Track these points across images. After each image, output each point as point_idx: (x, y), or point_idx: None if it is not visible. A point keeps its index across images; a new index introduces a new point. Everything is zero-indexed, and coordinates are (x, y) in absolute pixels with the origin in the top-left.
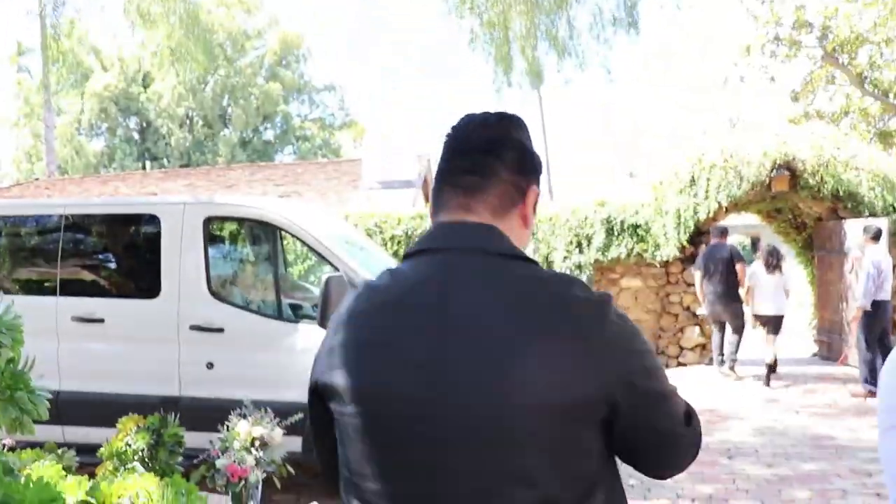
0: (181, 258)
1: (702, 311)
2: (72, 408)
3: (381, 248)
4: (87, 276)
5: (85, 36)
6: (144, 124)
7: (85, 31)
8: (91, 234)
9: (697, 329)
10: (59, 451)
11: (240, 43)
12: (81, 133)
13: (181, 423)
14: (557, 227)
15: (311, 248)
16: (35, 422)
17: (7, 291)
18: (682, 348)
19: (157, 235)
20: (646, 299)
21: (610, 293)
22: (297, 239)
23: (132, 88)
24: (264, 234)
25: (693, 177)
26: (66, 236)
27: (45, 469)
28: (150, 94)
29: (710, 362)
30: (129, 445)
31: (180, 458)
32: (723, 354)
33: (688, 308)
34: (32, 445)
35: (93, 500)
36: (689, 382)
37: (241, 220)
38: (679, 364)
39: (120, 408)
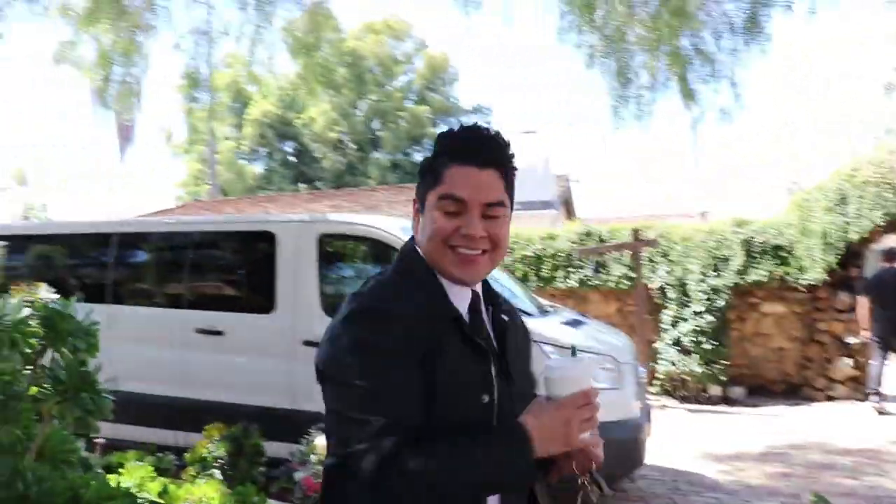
0: (295, 275)
1: (860, 338)
2: (188, 415)
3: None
4: (210, 290)
5: (246, 66)
6: (300, 148)
7: (246, 62)
8: (213, 250)
9: (849, 360)
10: (161, 455)
11: (389, 68)
12: (242, 157)
13: (294, 436)
14: (692, 248)
15: None
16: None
17: (137, 303)
18: (830, 380)
19: (273, 252)
20: (790, 326)
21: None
22: None
23: (288, 114)
24: (376, 251)
25: (843, 194)
26: (191, 252)
27: (136, 469)
28: (304, 119)
29: (866, 398)
30: (211, 452)
31: (261, 468)
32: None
33: (837, 337)
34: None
35: (161, 501)
36: (839, 419)
37: (354, 238)
38: (828, 398)
39: (236, 418)
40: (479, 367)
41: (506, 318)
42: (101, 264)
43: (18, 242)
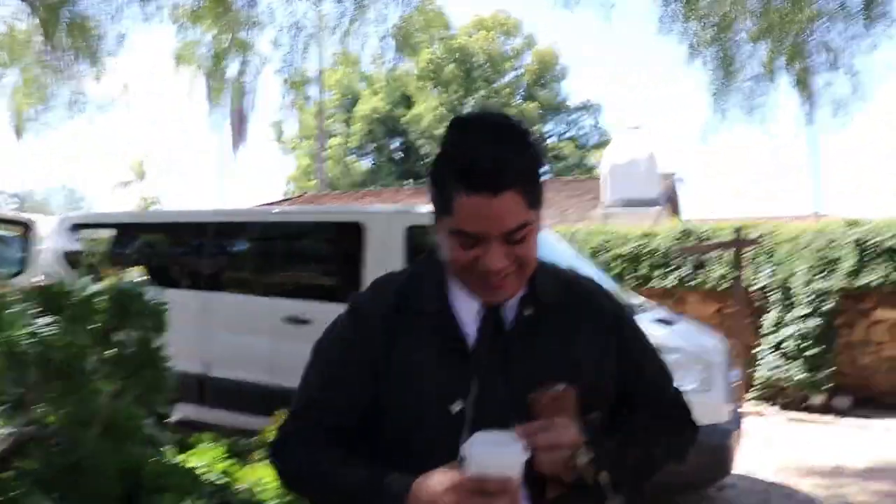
0: (382, 265)
1: None
2: (276, 401)
3: (598, 265)
4: (298, 279)
5: (357, 63)
6: (407, 145)
7: (356, 58)
8: (303, 240)
9: None
10: (238, 438)
11: (498, 64)
12: (350, 153)
13: None
14: (799, 248)
15: None
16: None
17: (230, 290)
18: None
19: (361, 243)
20: None
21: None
22: None
23: (396, 111)
24: None
25: None
26: (281, 241)
27: (208, 450)
28: (411, 116)
29: None
30: None
31: None
32: None
33: None
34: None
35: (218, 481)
36: None
37: None
38: None
39: None
40: (453, 372)
41: (547, 305)
42: (196, 252)
43: (123, 231)
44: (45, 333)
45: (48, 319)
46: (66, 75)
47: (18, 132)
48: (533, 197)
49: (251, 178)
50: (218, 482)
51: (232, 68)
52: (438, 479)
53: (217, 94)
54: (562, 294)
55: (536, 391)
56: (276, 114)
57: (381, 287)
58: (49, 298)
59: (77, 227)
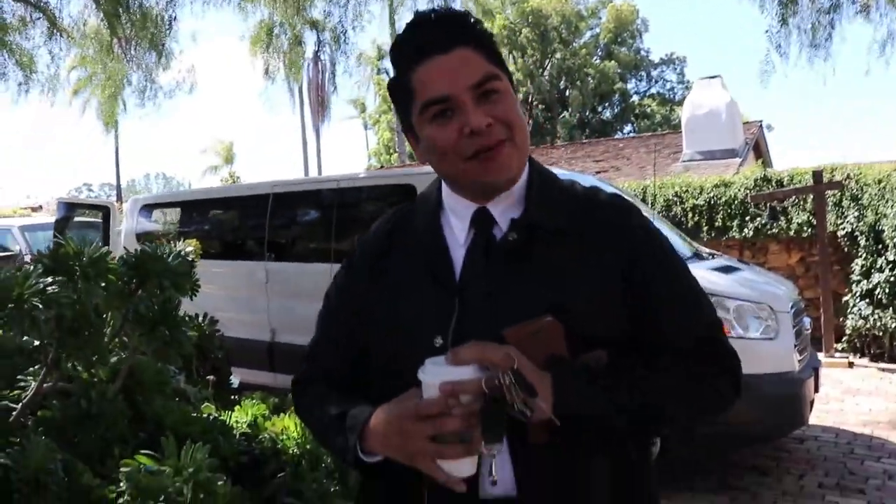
0: None
1: None
2: None
3: (669, 219)
4: (354, 244)
5: None
6: None
7: None
8: (359, 205)
9: None
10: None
11: (574, 24)
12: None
13: None
14: (889, 190)
15: None
16: None
17: (293, 259)
18: None
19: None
20: None
21: None
22: None
23: None
24: None
25: None
26: (339, 209)
27: (251, 406)
28: None
29: None
30: None
31: None
32: None
33: None
34: None
35: (248, 430)
36: None
37: None
38: None
39: None
40: (438, 301)
41: (542, 227)
42: (259, 223)
43: (190, 208)
44: (53, 291)
45: (57, 279)
46: (136, 65)
47: (106, 125)
48: (490, 52)
49: (335, 155)
50: (247, 432)
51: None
52: (394, 405)
53: (295, 74)
54: (568, 216)
55: (514, 325)
56: (357, 90)
57: (380, 223)
58: (58, 260)
59: (147, 207)
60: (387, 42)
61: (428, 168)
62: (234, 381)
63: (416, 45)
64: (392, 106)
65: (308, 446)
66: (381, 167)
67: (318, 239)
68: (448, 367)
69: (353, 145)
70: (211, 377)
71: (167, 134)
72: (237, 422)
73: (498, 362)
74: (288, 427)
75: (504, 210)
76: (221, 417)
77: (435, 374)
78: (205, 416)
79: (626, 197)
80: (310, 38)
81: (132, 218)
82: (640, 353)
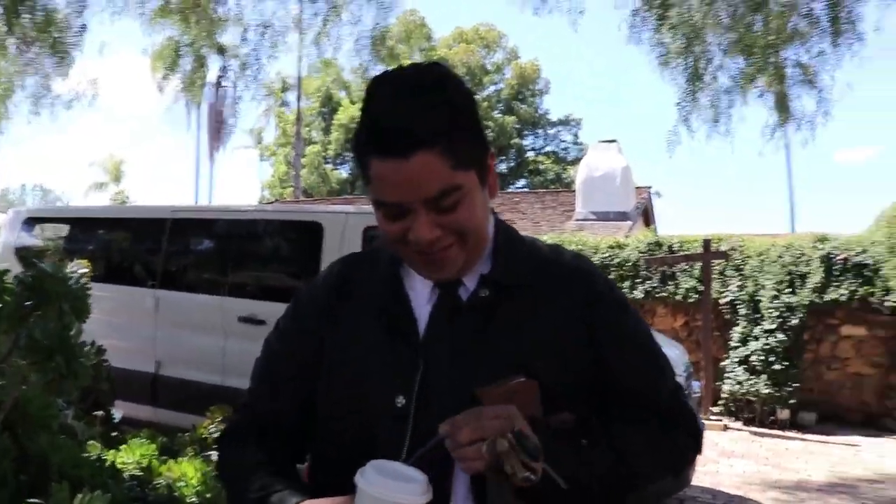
0: None
1: None
2: (232, 401)
3: None
4: (254, 279)
5: (337, 72)
6: None
7: (336, 68)
8: (260, 239)
9: None
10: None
11: (479, 77)
12: (328, 161)
13: None
14: (767, 263)
15: None
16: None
17: (186, 289)
18: None
19: (320, 243)
20: (871, 351)
21: None
22: None
23: None
24: None
25: None
26: (239, 240)
27: (139, 446)
28: None
29: None
30: (211, 434)
31: None
32: None
33: None
34: None
35: (140, 473)
36: None
37: None
38: None
39: None
40: (400, 360)
41: (510, 286)
42: (150, 249)
43: (78, 225)
44: None
45: None
46: (33, 69)
47: None
48: (459, 156)
49: (228, 184)
50: (139, 476)
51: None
52: None
53: (195, 97)
54: (533, 273)
55: (488, 385)
56: (256, 121)
57: (330, 271)
58: None
59: (31, 220)
60: (292, 75)
61: (336, 207)
62: (117, 415)
63: (377, 132)
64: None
65: (208, 495)
66: (275, 200)
67: (214, 270)
68: (393, 482)
69: (246, 175)
70: (99, 413)
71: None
72: (124, 463)
73: (500, 427)
74: (186, 473)
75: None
76: (107, 457)
77: (376, 486)
78: (93, 456)
79: (586, 258)
80: (215, 63)
81: (12, 231)
82: (604, 413)
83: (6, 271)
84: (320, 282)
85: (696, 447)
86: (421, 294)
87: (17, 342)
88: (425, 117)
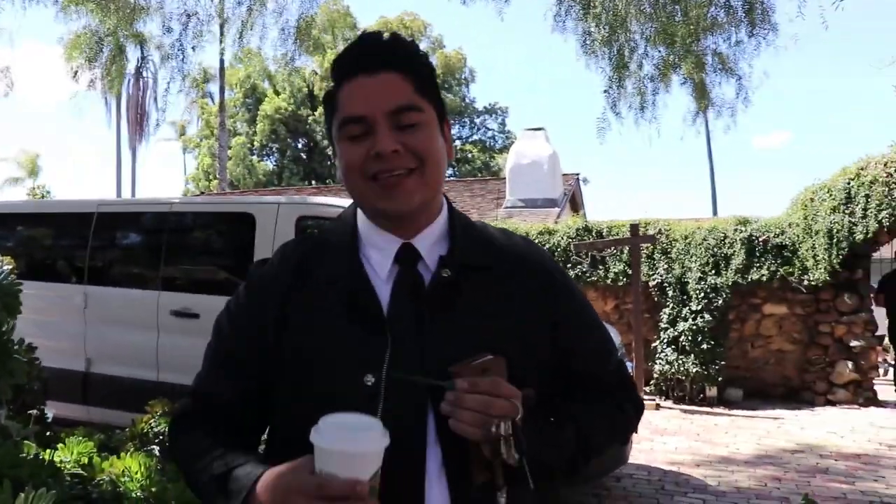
0: None
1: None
2: (168, 396)
3: None
4: (186, 272)
5: (261, 62)
6: (311, 145)
7: (261, 58)
8: (192, 231)
9: (850, 364)
10: (113, 433)
11: None
12: (254, 153)
13: None
14: (693, 245)
15: None
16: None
17: (116, 284)
18: (831, 384)
19: (252, 234)
20: (791, 328)
21: None
22: None
23: (301, 111)
24: None
25: (849, 193)
26: (170, 233)
27: (76, 444)
28: (317, 116)
29: (866, 402)
30: (152, 428)
31: None
32: None
33: (840, 339)
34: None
35: (83, 472)
36: (838, 424)
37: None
38: (828, 402)
39: None
40: (365, 338)
41: (469, 266)
42: (80, 244)
43: (1, 221)
44: None
45: None
46: None
47: None
48: (419, 82)
49: (152, 177)
50: (80, 474)
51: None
52: (289, 474)
53: (114, 87)
54: (489, 255)
55: (459, 362)
56: (180, 113)
57: (284, 252)
58: None
59: None
60: (214, 66)
61: (268, 198)
62: (49, 414)
63: (348, 60)
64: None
65: (154, 489)
66: (202, 193)
67: (145, 264)
68: (349, 432)
69: (169, 168)
70: (33, 411)
71: None
72: (62, 461)
73: (508, 410)
74: (130, 467)
75: (430, 247)
76: (44, 456)
77: (332, 440)
78: (30, 455)
79: (534, 242)
80: (133, 54)
81: None
82: (564, 393)
83: None
84: (276, 262)
85: (640, 416)
86: (379, 272)
87: None
88: (392, 48)
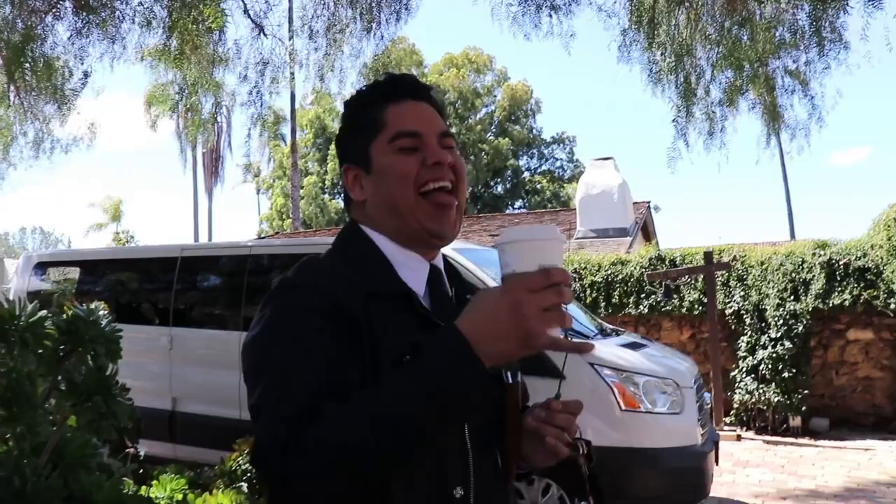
0: None
1: None
2: (251, 434)
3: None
4: (242, 311)
5: (329, 102)
6: None
7: (329, 98)
8: (269, 272)
9: None
10: (202, 470)
11: (470, 101)
12: (325, 192)
13: None
14: (770, 271)
15: None
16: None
17: (199, 325)
18: None
19: None
20: (878, 354)
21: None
22: None
23: None
24: None
25: None
26: (249, 275)
27: (169, 481)
28: None
29: None
30: (240, 465)
31: None
32: None
33: None
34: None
35: None
36: None
37: None
38: None
39: None
40: None
41: (468, 292)
42: (164, 288)
43: (89, 268)
44: None
45: None
46: (32, 115)
47: None
48: (443, 118)
49: (227, 218)
50: None
51: (205, 108)
52: (481, 296)
53: (192, 135)
54: (461, 284)
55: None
56: (252, 154)
57: (321, 271)
58: None
59: (42, 265)
60: (284, 108)
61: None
62: (141, 452)
63: (392, 87)
64: (346, 136)
65: None
66: (276, 233)
67: (227, 305)
68: (530, 229)
69: (244, 209)
70: (131, 450)
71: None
72: (157, 497)
73: (574, 429)
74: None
75: (441, 269)
76: (142, 492)
77: (515, 234)
78: (131, 492)
79: None
80: (211, 101)
81: (24, 276)
82: None
83: (47, 317)
84: (326, 280)
85: None
86: (417, 287)
87: (55, 385)
88: (426, 86)
